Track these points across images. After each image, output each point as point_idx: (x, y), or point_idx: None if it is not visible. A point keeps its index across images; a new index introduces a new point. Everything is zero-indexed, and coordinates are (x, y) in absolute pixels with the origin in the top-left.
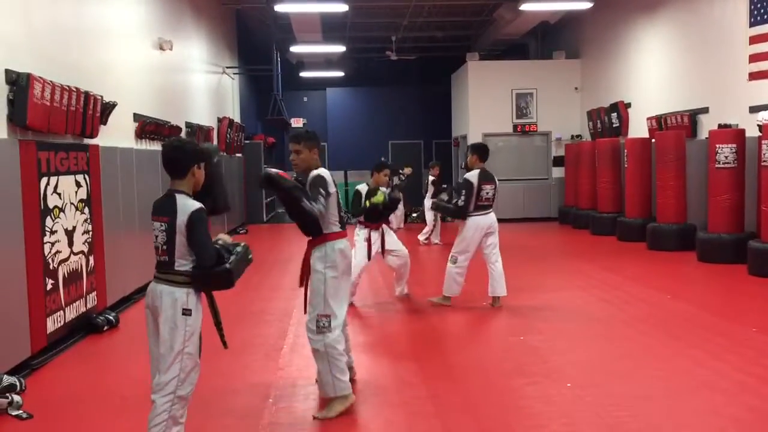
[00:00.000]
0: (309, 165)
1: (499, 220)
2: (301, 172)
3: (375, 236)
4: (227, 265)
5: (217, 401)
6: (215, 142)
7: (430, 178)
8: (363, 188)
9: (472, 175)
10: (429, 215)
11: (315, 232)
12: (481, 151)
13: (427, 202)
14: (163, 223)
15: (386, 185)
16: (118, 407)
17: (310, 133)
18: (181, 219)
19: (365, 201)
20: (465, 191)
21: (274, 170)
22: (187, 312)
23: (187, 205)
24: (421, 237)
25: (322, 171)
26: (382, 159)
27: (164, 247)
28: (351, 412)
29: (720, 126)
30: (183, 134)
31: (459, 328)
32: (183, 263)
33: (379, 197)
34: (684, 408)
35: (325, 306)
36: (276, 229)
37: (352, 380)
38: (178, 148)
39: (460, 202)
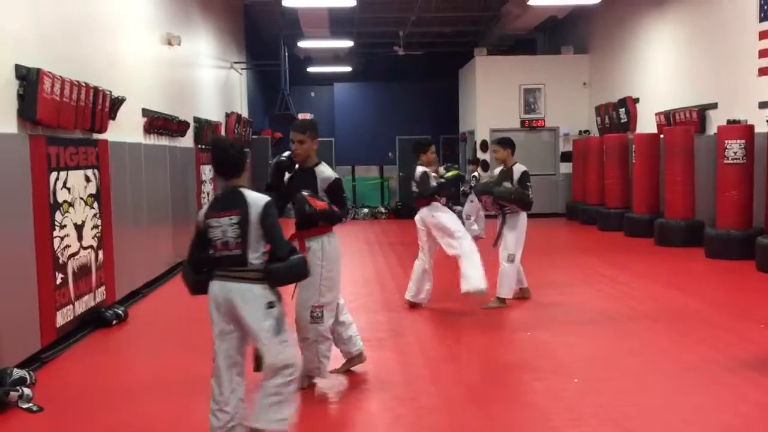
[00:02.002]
0: (309, 155)
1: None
2: (301, 161)
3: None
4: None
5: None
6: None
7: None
8: (422, 169)
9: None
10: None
11: (311, 224)
12: (514, 145)
13: None
14: (233, 217)
15: (435, 162)
16: (127, 400)
17: (314, 123)
18: (255, 211)
19: (440, 178)
20: (530, 184)
21: (305, 199)
22: (271, 305)
23: (258, 197)
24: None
25: (331, 170)
26: (423, 139)
27: (238, 240)
28: (359, 406)
29: (729, 122)
30: (191, 129)
31: (466, 323)
32: (255, 256)
33: (454, 171)
34: (691, 403)
35: (320, 297)
36: (283, 224)
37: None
38: (235, 147)
39: (532, 196)
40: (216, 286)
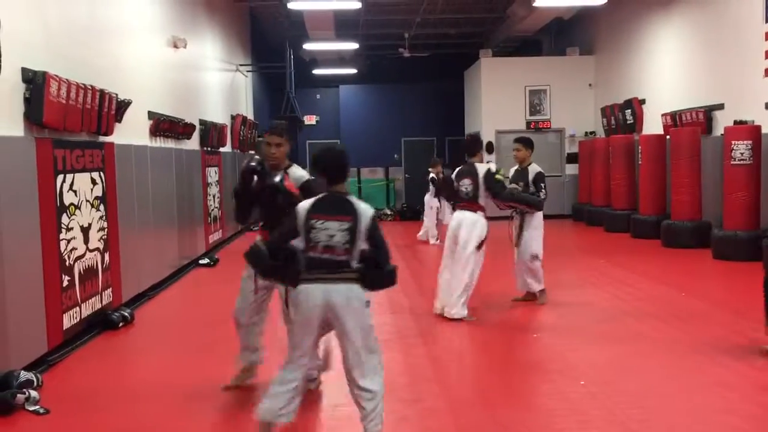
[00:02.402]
0: (283, 160)
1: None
2: (274, 167)
3: None
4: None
5: (232, 396)
6: (229, 139)
7: (431, 175)
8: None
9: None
10: (431, 213)
11: None
12: (533, 146)
13: (428, 199)
14: (344, 223)
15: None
16: (133, 402)
17: (288, 126)
18: (365, 220)
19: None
20: (545, 184)
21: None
22: (368, 304)
23: (366, 207)
24: (430, 237)
25: (303, 171)
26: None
27: (346, 246)
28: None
29: (735, 122)
30: (197, 132)
31: (472, 324)
32: (355, 263)
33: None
34: (698, 405)
35: None
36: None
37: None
38: (345, 155)
39: (544, 195)
40: (316, 290)
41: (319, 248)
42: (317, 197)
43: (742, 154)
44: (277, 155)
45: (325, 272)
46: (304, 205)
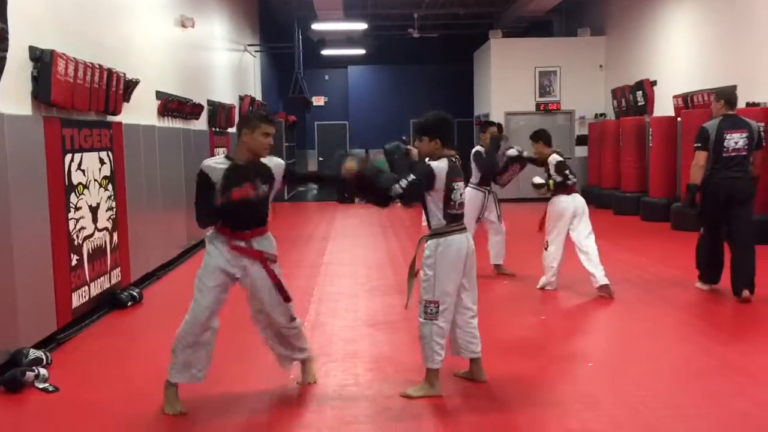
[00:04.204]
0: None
1: (522, 200)
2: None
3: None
4: None
5: (239, 378)
6: (237, 119)
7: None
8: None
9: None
10: None
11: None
12: (544, 137)
13: None
14: (461, 184)
15: (489, 142)
16: (142, 381)
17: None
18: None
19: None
20: (568, 171)
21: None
22: None
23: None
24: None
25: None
26: (485, 119)
27: (461, 201)
28: (370, 386)
29: (748, 104)
30: (205, 112)
31: (479, 306)
32: None
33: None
34: (706, 388)
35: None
36: (297, 207)
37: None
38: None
39: (571, 180)
40: (464, 239)
41: (457, 206)
42: (449, 162)
43: None
44: (271, 144)
45: (458, 224)
46: (443, 168)
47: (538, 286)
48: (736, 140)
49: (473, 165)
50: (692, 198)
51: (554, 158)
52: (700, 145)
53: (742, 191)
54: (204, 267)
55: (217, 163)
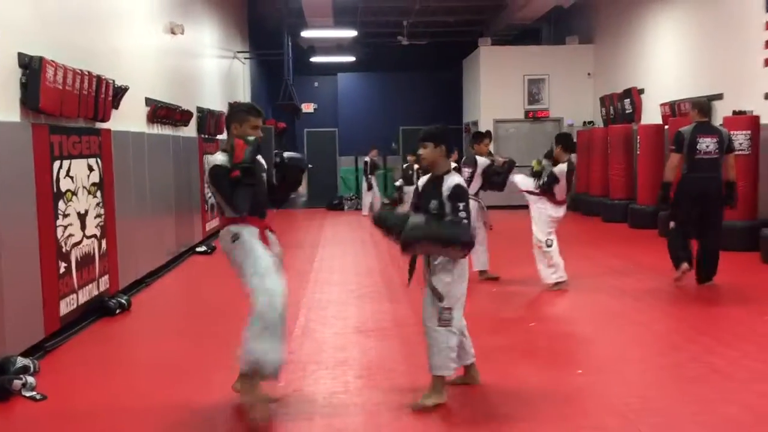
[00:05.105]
0: None
1: (511, 207)
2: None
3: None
4: None
5: (228, 383)
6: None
7: (405, 165)
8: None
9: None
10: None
11: None
12: (553, 152)
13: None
14: None
15: (486, 155)
16: (130, 389)
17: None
18: None
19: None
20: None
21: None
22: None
23: None
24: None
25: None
26: (478, 130)
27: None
28: (360, 393)
29: (734, 113)
30: (194, 119)
31: (469, 312)
32: None
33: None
34: (695, 394)
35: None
36: (286, 214)
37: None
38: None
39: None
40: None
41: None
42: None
43: (740, 144)
44: (261, 137)
45: None
46: (464, 183)
47: (546, 282)
48: (707, 144)
49: (479, 176)
50: (665, 195)
51: (561, 168)
52: (674, 148)
53: (713, 191)
54: (251, 249)
55: (222, 157)
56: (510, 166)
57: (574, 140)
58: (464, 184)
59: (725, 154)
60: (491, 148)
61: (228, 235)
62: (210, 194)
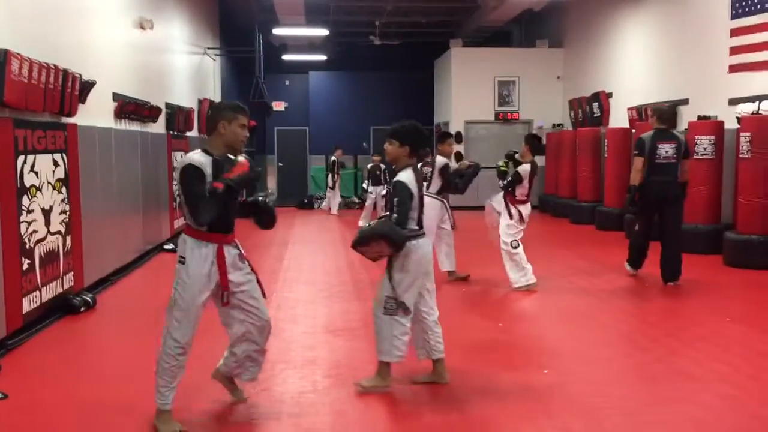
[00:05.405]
0: None
1: (480, 208)
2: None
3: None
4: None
5: (197, 384)
6: (196, 123)
7: (370, 165)
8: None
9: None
10: (369, 200)
11: None
12: (533, 146)
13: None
14: None
15: (450, 155)
16: (94, 387)
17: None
18: None
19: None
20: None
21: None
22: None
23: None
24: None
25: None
26: (445, 131)
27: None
28: (328, 393)
29: (699, 117)
30: (163, 115)
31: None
32: None
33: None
34: (659, 394)
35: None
36: None
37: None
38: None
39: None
40: (428, 245)
41: (422, 210)
42: (413, 171)
43: (705, 148)
44: (247, 137)
45: (423, 230)
46: (411, 179)
47: (516, 286)
48: (666, 150)
49: (437, 175)
50: (632, 198)
51: (525, 168)
52: (637, 152)
53: (671, 193)
54: (185, 285)
55: (199, 157)
56: (474, 171)
57: (543, 143)
58: (406, 181)
59: (683, 159)
60: (462, 151)
61: (182, 245)
62: (178, 193)
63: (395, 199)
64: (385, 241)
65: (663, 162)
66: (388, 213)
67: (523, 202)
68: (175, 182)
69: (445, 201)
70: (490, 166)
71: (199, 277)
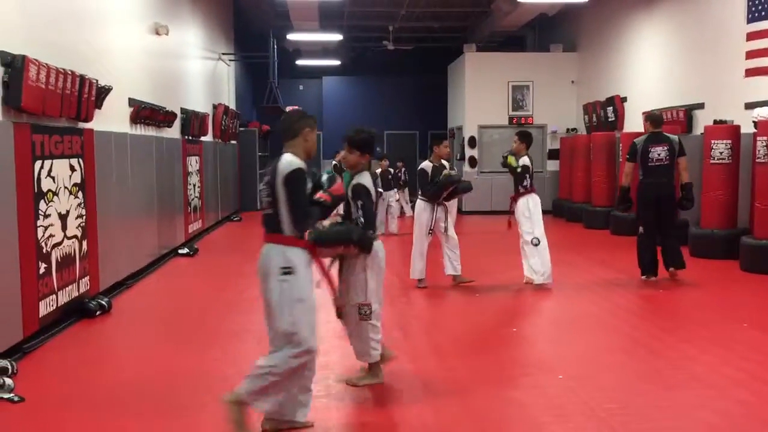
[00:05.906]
0: None
1: (494, 212)
2: None
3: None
4: None
5: (209, 387)
6: (210, 128)
7: (379, 170)
8: (427, 166)
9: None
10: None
11: None
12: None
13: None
14: None
15: (448, 157)
16: (109, 391)
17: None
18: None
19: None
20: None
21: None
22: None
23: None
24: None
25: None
26: (436, 134)
27: None
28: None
29: (715, 122)
30: (178, 120)
31: (451, 318)
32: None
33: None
34: (674, 401)
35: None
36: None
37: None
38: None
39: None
40: (382, 246)
41: (379, 213)
42: (371, 175)
43: (721, 153)
44: None
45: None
46: (369, 182)
47: (537, 282)
48: (658, 152)
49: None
50: (622, 197)
51: (525, 159)
52: (628, 157)
53: (665, 193)
54: (302, 295)
55: (300, 162)
56: (463, 188)
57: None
58: (365, 183)
59: (677, 159)
60: (476, 155)
61: (279, 258)
62: (266, 195)
63: (359, 202)
64: (357, 247)
65: (655, 165)
66: (344, 214)
67: (532, 191)
68: (270, 184)
69: (439, 204)
70: (504, 171)
71: (311, 281)
